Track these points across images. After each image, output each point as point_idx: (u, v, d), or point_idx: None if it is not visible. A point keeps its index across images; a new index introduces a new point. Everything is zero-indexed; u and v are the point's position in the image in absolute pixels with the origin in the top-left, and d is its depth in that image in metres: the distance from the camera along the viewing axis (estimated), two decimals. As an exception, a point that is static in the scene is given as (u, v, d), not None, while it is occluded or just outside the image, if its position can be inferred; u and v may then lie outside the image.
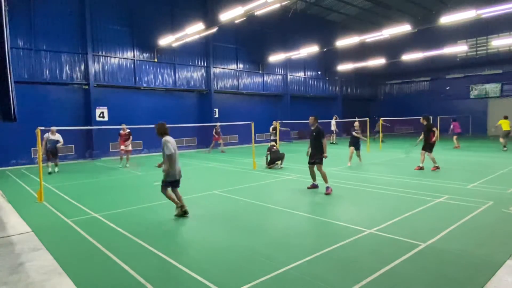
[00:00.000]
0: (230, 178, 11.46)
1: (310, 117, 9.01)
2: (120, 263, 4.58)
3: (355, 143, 13.28)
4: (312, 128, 8.85)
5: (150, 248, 5.08)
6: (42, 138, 12.31)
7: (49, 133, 12.84)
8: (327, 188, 8.49)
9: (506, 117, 17.56)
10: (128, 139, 14.15)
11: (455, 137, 19.05)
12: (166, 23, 20.05)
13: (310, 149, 8.93)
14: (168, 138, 6.61)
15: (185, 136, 21.62)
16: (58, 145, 13.07)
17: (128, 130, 14.22)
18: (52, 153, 12.94)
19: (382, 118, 20.66)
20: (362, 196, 8.25)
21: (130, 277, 4.17)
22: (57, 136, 13.04)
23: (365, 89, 36.24)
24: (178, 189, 6.79)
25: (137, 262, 4.58)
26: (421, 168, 11.73)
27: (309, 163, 8.95)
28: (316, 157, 8.62)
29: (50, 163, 13.15)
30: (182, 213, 6.72)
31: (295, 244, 5.30)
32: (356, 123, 13.42)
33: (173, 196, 6.70)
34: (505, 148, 16.73)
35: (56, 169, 13.22)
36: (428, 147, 11.74)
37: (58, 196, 8.91)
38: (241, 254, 4.84)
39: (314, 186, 9.01)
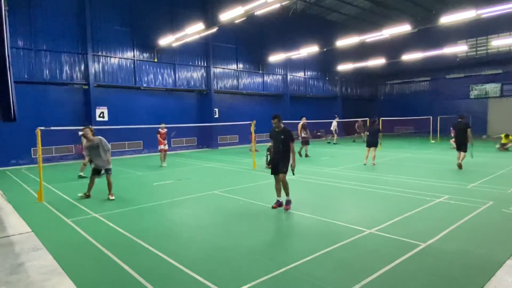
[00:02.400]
0: (230, 178, 11.46)
1: (274, 116, 7.33)
2: (120, 263, 4.58)
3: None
4: (277, 130, 7.26)
5: (150, 248, 5.08)
6: (78, 138, 11.89)
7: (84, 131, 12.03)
8: (288, 202, 7.17)
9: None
10: (166, 138, 14.28)
11: (453, 139, 19.03)
12: (166, 23, 20.05)
13: (273, 155, 7.40)
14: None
15: (185, 136, 21.61)
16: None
17: (166, 130, 14.33)
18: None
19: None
20: (362, 196, 8.25)
21: (130, 277, 4.17)
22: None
23: (365, 89, 36.24)
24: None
25: (137, 262, 4.58)
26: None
27: (275, 173, 7.25)
28: (283, 165, 7.07)
29: (85, 167, 11.83)
30: (86, 196, 8.65)
31: (295, 244, 5.30)
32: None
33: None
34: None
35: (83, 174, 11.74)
36: (465, 146, 11.82)
37: (58, 196, 8.91)
38: (241, 254, 4.84)
39: (280, 204, 7.27)
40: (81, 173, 11.93)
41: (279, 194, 7.31)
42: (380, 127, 13.55)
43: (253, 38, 24.71)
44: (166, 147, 14.48)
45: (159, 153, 14.75)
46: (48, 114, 16.17)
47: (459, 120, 12.07)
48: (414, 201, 7.47)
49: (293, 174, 7.27)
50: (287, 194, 7.16)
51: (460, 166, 11.73)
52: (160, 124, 14.40)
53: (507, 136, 17.62)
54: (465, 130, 11.77)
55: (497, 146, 17.68)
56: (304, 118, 17.18)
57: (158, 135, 14.27)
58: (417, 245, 4.91)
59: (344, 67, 30.01)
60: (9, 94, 3.22)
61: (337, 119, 24.11)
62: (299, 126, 16.77)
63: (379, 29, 20.50)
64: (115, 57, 18.57)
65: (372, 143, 13.06)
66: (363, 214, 6.73)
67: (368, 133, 13.59)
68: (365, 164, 13.04)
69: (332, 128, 23.82)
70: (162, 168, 13.82)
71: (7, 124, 11.10)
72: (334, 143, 23.42)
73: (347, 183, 9.79)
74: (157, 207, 7.62)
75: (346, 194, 8.63)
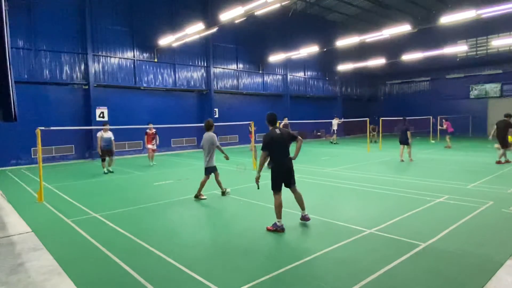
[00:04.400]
0: (230, 178, 11.44)
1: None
2: (120, 263, 4.58)
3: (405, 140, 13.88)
4: (278, 132, 5.95)
5: (150, 248, 5.08)
6: (95, 137, 12.40)
7: (102, 131, 12.25)
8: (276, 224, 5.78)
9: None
10: (154, 138, 14.40)
11: (447, 137, 19.08)
12: (166, 23, 20.05)
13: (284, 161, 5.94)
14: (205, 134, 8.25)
15: (185, 136, 21.62)
16: (112, 143, 12.47)
17: (154, 130, 14.42)
18: (108, 151, 12.38)
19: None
20: (362, 196, 8.24)
21: (130, 277, 4.18)
22: (110, 134, 12.42)
23: (365, 89, 36.24)
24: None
25: (137, 262, 4.58)
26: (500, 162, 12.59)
27: (290, 184, 6.04)
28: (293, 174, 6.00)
29: (104, 163, 12.61)
30: (224, 193, 8.49)
31: (295, 244, 5.30)
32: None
33: (206, 182, 8.29)
34: None
35: (110, 169, 12.72)
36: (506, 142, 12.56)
37: (58, 196, 8.91)
38: (241, 254, 4.84)
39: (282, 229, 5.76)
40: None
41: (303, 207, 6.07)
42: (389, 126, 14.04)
43: (253, 38, 24.71)
44: (154, 146, 14.58)
45: (147, 153, 14.90)
46: (48, 114, 16.18)
47: (504, 118, 12.77)
48: (414, 201, 7.46)
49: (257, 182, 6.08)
50: (279, 216, 5.82)
51: (509, 160, 12.61)
52: (148, 124, 14.48)
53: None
54: (504, 128, 12.45)
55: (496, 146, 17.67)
56: (286, 118, 17.37)
57: (146, 136, 14.42)
58: (417, 245, 4.91)
59: (344, 67, 30.01)
60: (10, 94, 3.22)
61: (337, 120, 24.22)
62: (281, 126, 16.93)
63: (379, 29, 20.49)
64: (115, 57, 18.57)
65: (402, 141, 13.89)
66: (363, 214, 6.72)
67: (399, 132, 14.38)
68: (402, 161, 13.84)
69: (333, 128, 24.01)
70: (162, 168, 13.81)
71: (7, 124, 11.12)
72: (334, 143, 23.50)
73: (347, 183, 9.79)
74: (157, 207, 7.62)
75: (346, 194, 8.62)
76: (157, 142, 14.68)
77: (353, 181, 10.04)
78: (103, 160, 12.57)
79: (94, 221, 6.64)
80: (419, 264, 4.35)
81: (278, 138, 5.87)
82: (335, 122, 23.89)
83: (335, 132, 24.05)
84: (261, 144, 6.05)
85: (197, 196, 8.26)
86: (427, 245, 4.92)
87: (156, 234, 5.81)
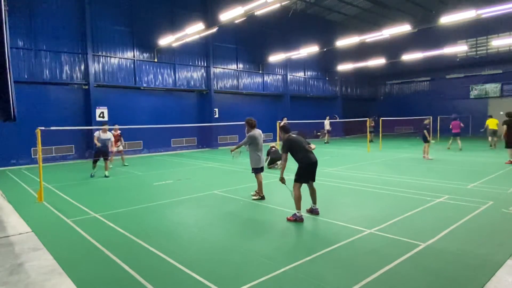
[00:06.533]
0: (230, 178, 11.46)
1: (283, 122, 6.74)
2: (120, 263, 4.58)
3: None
4: (295, 136, 6.86)
5: (150, 248, 5.08)
6: (93, 136, 12.12)
7: (100, 131, 11.84)
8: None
9: (491, 116, 18.54)
10: (119, 140, 14.27)
11: (455, 138, 19.04)
12: (166, 23, 20.05)
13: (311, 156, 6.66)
14: (251, 132, 8.14)
15: (185, 136, 21.62)
16: (109, 144, 11.89)
17: (119, 131, 14.27)
18: (103, 152, 11.78)
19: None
20: (362, 196, 8.25)
21: (130, 277, 4.18)
22: (109, 135, 11.92)
23: (365, 89, 36.24)
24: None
25: (137, 262, 4.58)
26: None
27: (312, 179, 6.77)
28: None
29: (95, 165, 12.00)
30: (260, 198, 8.05)
31: (295, 244, 5.31)
32: (427, 121, 15.24)
33: (260, 179, 8.08)
34: (492, 147, 17.50)
35: (106, 173, 11.81)
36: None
37: (58, 196, 8.91)
38: (241, 254, 4.85)
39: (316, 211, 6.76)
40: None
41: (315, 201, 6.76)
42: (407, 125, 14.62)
43: (253, 38, 24.71)
44: (120, 148, 14.38)
45: (115, 156, 14.47)
46: (48, 114, 16.17)
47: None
48: (414, 201, 7.46)
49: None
50: (298, 207, 6.36)
51: None
52: (113, 125, 14.24)
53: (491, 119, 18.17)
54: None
55: (494, 139, 18.06)
56: (286, 118, 17.39)
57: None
58: (417, 245, 4.91)
59: (344, 67, 30.02)
60: (9, 94, 3.22)
61: (336, 119, 24.41)
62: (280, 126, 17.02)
63: (379, 29, 20.50)
64: (115, 57, 18.57)
65: (423, 139, 14.73)
66: (363, 214, 6.72)
67: (420, 132, 15.17)
68: (423, 157, 14.76)
69: (326, 128, 24.27)
70: (162, 168, 13.81)
71: (7, 124, 11.13)
72: (326, 143, 23.67)
73: (347, 183, 9.79)
74: (157, 207, 7.62)
75: (346, 194, 8.62)
76: (123, 143, 14.67)
77: (353, 181, 10.04)
78: (95, 161, 12.00)
79: (94, 221, 6.64)
80: (419, 264, 4.35)
81: (298, 139, 6.60)
82: (327, 122, 24.07)
83: (327, 132, 24.28)
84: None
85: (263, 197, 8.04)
86: (427, 245, 4.92)
87: (156, 234, 5.81)
